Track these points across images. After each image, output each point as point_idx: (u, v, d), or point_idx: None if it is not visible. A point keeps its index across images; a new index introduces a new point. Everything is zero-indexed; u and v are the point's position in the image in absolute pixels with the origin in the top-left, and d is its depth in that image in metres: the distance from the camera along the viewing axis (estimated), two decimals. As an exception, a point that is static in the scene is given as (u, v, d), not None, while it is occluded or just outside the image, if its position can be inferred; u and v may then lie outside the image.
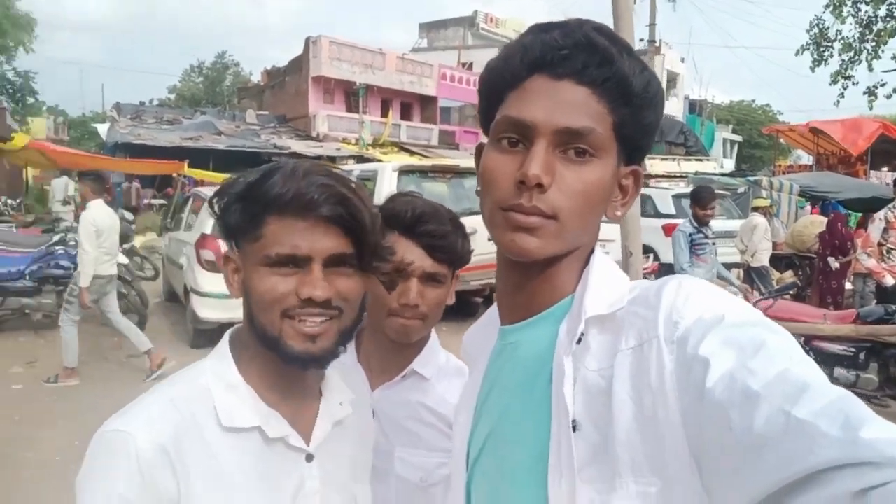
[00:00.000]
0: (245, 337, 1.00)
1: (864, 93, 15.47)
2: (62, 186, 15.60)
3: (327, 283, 0.92)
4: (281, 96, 28.88)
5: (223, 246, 1.05)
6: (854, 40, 15.21)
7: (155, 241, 13.34)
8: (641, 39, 21.31)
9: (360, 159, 20.76)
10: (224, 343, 1.03)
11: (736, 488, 0.56)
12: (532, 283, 0.83)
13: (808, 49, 15.79)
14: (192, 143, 21.56)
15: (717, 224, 9.96)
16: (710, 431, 0.59)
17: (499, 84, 0.80)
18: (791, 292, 7.30)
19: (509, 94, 0.79)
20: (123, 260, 8.17)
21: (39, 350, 6.26)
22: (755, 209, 9.62)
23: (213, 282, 6.59)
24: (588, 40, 0.75)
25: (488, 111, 0.83)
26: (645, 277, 8.34)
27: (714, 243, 5.92)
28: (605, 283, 0.79)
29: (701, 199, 5.77)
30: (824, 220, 9.86)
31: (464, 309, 8.03)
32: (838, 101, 15.56)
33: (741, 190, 13.19)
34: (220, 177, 16.63)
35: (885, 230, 6.78)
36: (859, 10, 14.89)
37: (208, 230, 7.03)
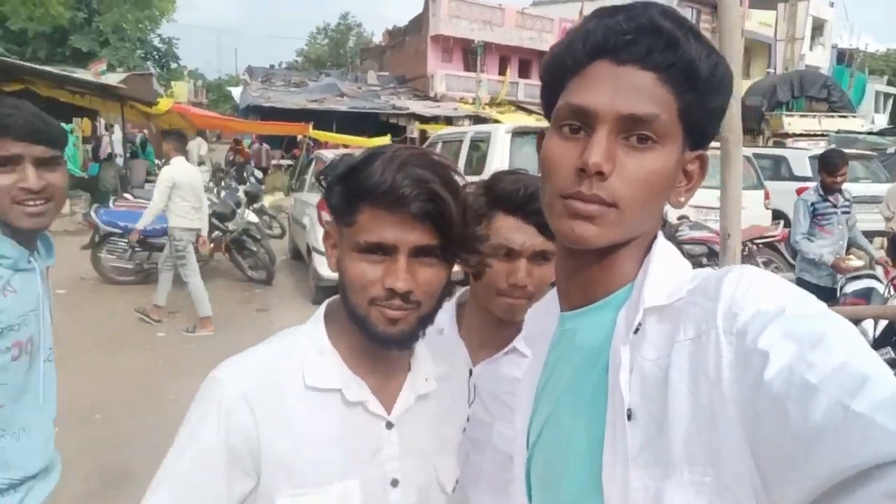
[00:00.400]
0: (338, 309, 1.07)
1: None
2: (196, 147, 16.77)
3: (410, 273, 0.97)
4: (401, 56, 29.29)
5: (326, 217, 1.11)
6: None
7: (282, 200, 14.13)
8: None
9: (477, 119, 20.75)
10: (320, 312, 1.10)
11: (793, 482, 0.56)
12: (591, 271, 0.82)
13: None
14: (317, 105, 22.44)
15: (860, 188, 9.17)
16: (768, 424, 0.59)
17: (560, 70, 0.79)
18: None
19: (571, 81, 0.78)
20: (253, 219, 8.75)
21: (181, 302, 6.83)
22: (906, 171, 8.71)
23: (333, 242, 6.90)
24: (653, 24, 0.73)
25: (550, 98, 0.82)
26: (774, 245, 7.86)
27: (847, 212, 5.42)
28: (665, 272, 0.78)
29: (829, 164, 5.28)
30: None
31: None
32: None
33: (891, 150, 11.97)
34: (342, 138, 17.26)
35: None
36: None
37: (328, 193, 7.32)
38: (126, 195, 9.42)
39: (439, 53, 26.41)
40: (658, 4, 0.75)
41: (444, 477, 1.13)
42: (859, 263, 5.26)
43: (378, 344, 1.01)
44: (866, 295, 4.81)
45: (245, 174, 14.26)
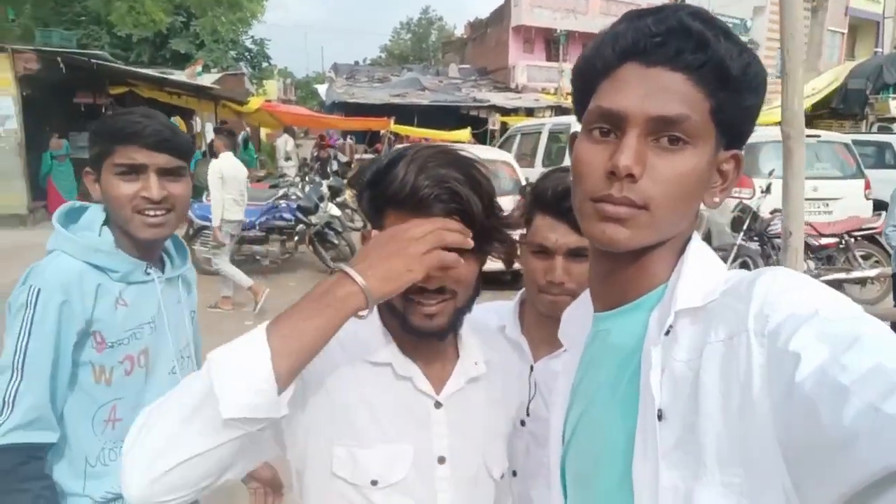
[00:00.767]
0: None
1: None
2: (283, 143, 17.39)
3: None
4: (482, 49, 29.23)
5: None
6: None
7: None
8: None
9: (559, 110, 20.46)
10: None
11: (824, 484, 0.56)
12: (623, 272, 0.82)
13: None
14: (399, 99, 22.78)
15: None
16: (799, 427, 0.58)
17: (590, 73, 0.79)
18: None
19: (601, 84, 0.78)
20: (336, 212, 9.03)
21: (271, 294, 7.17)
22: None
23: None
24: (682, 25, 0.73)
25: (581, 101, 0.82)
26: (874, 237, 7.35)
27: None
28: (699, 274, 0.78)
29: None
30: None
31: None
32: None
33: None
34: (422, 132, 17.46)
35: None
36: None
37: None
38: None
39: (521, 44, 26.17)
40: (688, 6, 0.76)
41: (491, 462, 1.16)
42: None
43: (415, 336, 1.07)
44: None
45: (328, 168, 14.66)
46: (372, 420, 1.06)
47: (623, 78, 0.75)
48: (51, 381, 1.34)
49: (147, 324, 1.51)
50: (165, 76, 15.64)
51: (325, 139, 19.33)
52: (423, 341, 1.09)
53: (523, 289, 1.51)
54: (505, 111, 21.89)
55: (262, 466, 1.65)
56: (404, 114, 19.04)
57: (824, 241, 7.16)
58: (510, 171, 7.93)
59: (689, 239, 0.82)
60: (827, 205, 8.39)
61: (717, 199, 0.81)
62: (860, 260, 7.19)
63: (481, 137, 19.56)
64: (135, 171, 1.43)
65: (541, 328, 1.41)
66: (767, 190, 7.01)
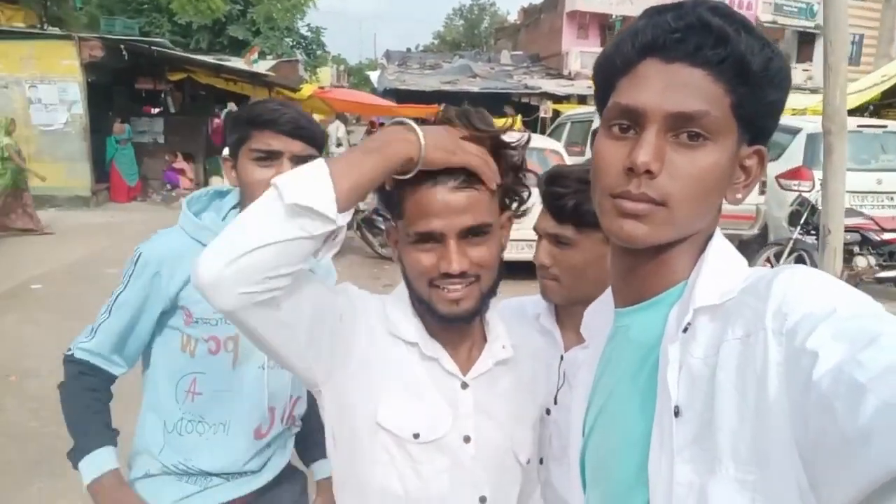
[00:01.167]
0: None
1: None
2: (335, 130, 17.61)
3: (462, 254, 1.04)
4: (535, 35, 28.89)
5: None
6: None
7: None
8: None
9: (612, 97, 20.03)
10: (402, 285, 1.19)
11: (840, 482, 0.56)
12: (643, 269, 0.82)
13: None
14: (450, 86, 22.73)
15: None
16: (816, 425, 0.58)
17: (611, 70, 0.79)
18: None
19: (621, 81, 0.78)
20: (383, 198, 9.13)
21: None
22: None
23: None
24: (701, 21, 0.72)
25: (602, 98, 0.82)
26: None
27: None
28: (719, 272, 0.77)
29: None
30: None
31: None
32: None
33: None
34: (472, 119, 17.34)
35: None
36: None
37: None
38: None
39: (575, 30, 25.77)
40: (708, 1, 0.74)
41: (517, 447, 1.18)
42: None
43: (444, 323, 1.09)
44: None
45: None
46: (408, 387, 1.10)
47: (642, 74, 0.75)
48: (126, 330, 1.52)
49: None
50: (222, 63, 16.02)
51: (374, 126, 19.48)
52: (451, 326, 1.12)
53: None
54: (557, 98, 21.60)
55: None
56: (455, 101, 18.69)
57: (886, 236, 6.86)
58: (559, 160, 7.83)
59: (710, 236, 0.81)
60: (892, 198, 8.05)
61: (739, 196, 0.80)
62: (923, 259, 6.87)
63: (532, 125, 19.38)
64: (270, 157, 1.46)
65: (573, 318, 1.42)
66: (827, 182, 6.75)
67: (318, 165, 0.92)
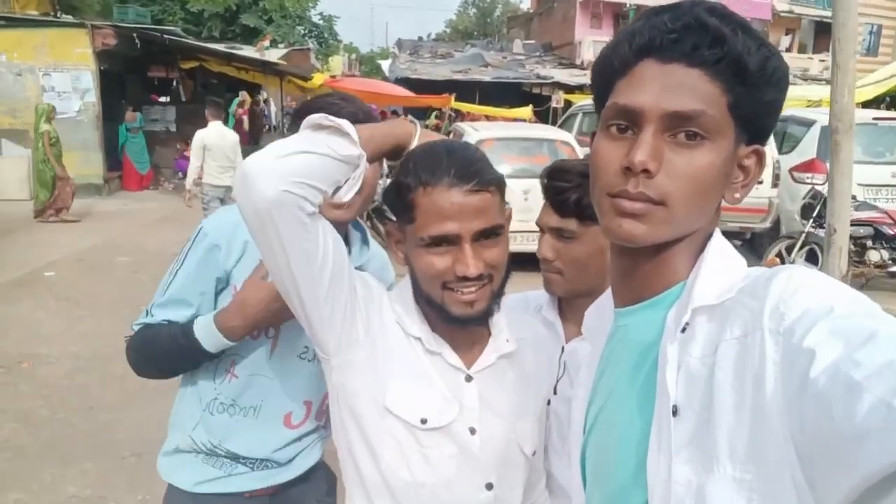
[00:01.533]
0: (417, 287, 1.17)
1: None
2: (344, 118, 17.53)
3: (477, 256, 1.06)
4: (548, 24, 28.69)
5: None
6: None
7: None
8: None
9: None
10: (407, 279, 1.20)
11: (838, 480, 0.56)
12: (642, 269, 0.83)
13: None
14: (461, 75, 22.64)
15: None
16: (813, 423, 0.59)
17: (608, 71, 0.80)
18: None
19: (618, 82, 0.78)
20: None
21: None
22: None
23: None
24: (698, 21, 0.73)
25: (600, 99, 0.83)
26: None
27: None
28: (717, 271, 0.78)
29: None
30: None
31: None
32: None
33: None
34: (483, 109, 17.32)
35: None
36: None
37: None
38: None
39: (588, 19, 25.57)
40: (705, 2, 0.75)
41: (522, 439, 1.19)
42: None
43: (457, 325, 1.11)
44: None
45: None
46: (416, 375, 1.12)
47: (640, 75, 0.76)
48: (187, 299, 1.49)
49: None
50: (233, 51, 16.04)
51: (386, 116, 19.46)
52: (460, 327, 1.13)
53: None
54: (569, 88, 21.47)
55: None
56: (466, 90, 18.93)
57: (900, 230, 6.79)
58: (569, 152, 7.79)
59: (709, 236, 0.82)
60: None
61: (737, 195, 0.80)
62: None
63: (544, 115, 19.29)
64: None
65: (575, 310, 1.43)
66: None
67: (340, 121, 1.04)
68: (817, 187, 7.00)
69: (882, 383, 0.53)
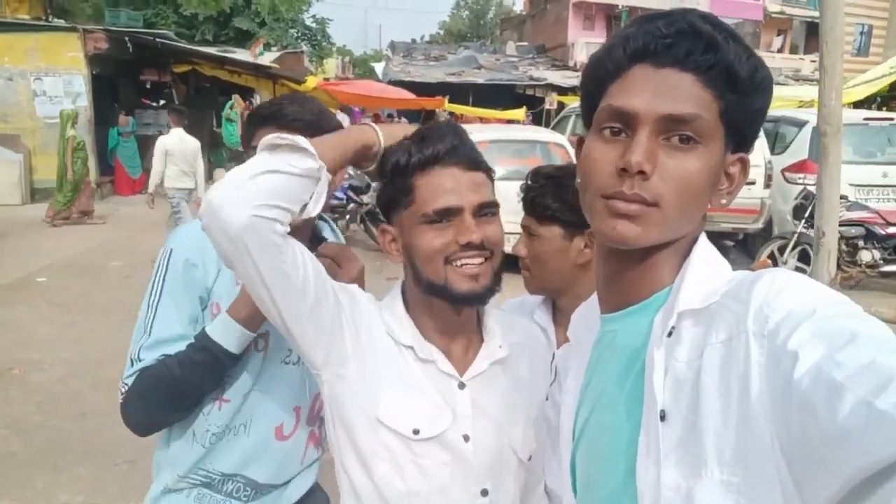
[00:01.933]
0: (411, 290, 1.18)
1: None
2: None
3: (479, 227, 1.09)
4: (541, 25, 28.74)
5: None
6: None
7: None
8: None
9: (617, 89, 19.90)
10: (397, 288, 1.22)
11: (823, 481, 0.56)
12: (630, 273, 0.83)
13: None
14: (455, 78, 22.65)
15: None
16: (797, 424, 0.59)
17: (601, 75, 0.80)
18: None
19: (611, 85, 0.79)
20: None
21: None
22: None
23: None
24: (692, 28, 0.74)
25: (591, 104, 0.83)
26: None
27: None
28: (703, 276, 0.78)
29: None
30: None
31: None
32: None
33: None
34: (477, 111, 17.33)
35: None
36: None
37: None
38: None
39: (581, 20, 25.63)
40: (697, 10, 0.76)
41: (517, 444, 1.19)
42: None
43: (462, 304, 1.12)
44: None
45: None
46: (406, 385, 1.12)
47: (634, 78, 0.77)
48: (178, 321, 1.38)
49: None
50: (226, 55, 15.99)
51: (379, 118, 19.45)
52: (450, 320, 1.14)
53: None
54: (562, 90, 21.51)
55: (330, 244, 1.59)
56: (460, 92, 18.95)
57: (891, 229, 6.82)
58: (562, 154, 7.79)
59: (695, 241, 0.82)
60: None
61: (724, 202, 0.81)
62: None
63: (537, 117, 19.30)
64: None
65: (567, 315, 1.43)
66: (832, 176, 6.69)
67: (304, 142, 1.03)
68: (809, 188, 7.04)
69: (863, 383, 0.53)
